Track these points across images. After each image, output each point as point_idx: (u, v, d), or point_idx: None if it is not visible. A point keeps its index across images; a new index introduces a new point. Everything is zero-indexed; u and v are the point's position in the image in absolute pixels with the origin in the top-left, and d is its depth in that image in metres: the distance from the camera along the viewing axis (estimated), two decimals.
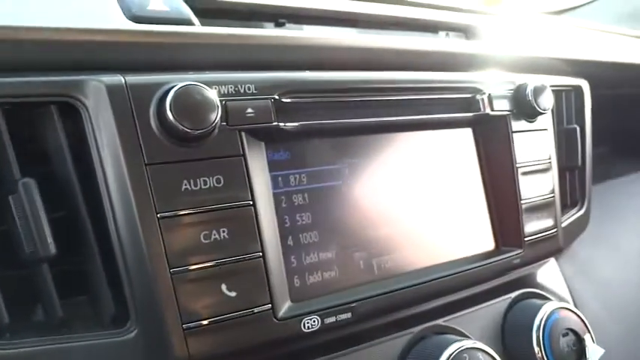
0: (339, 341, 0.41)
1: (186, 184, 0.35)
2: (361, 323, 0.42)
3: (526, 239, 0.52)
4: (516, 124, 0.53)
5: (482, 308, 0.49)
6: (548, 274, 0.58)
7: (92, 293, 0.36)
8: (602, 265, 0.65)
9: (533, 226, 0.53)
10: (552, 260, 0.60)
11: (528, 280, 0.55)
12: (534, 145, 0.54)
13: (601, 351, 0.47)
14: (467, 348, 0.42)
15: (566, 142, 0.64)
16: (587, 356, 0.47)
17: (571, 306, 0.50)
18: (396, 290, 0.43)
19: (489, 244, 0.52)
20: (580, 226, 0.64)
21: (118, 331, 0.34)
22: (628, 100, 1.01)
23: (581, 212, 0.64)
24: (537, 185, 0.54)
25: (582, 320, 0.49)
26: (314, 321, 0.39)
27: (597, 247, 0.67)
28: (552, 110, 0.61)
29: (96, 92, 0.34)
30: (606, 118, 1.02)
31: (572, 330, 0.48)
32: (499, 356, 0.43)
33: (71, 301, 0.36)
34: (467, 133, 0.53)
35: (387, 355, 0.42)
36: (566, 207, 0.64)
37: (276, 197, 0.41)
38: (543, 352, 0.46)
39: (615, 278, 0.64)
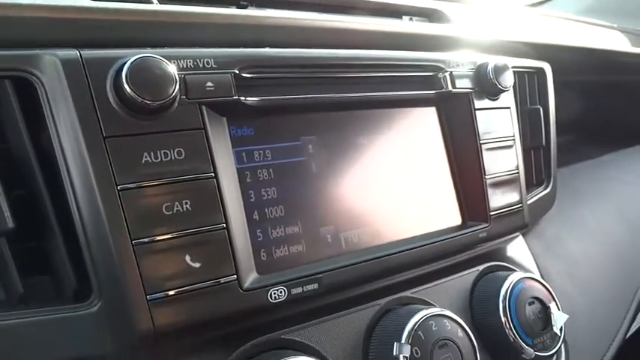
0: (307, 314, 0.41)
1: (146, 157, 0.35)
2: (328, 295, 0.42)
3: (492, 213, 0.53)
4: (479, 102, 0.54)
5: (450, 280, 0.49)
6: (516, 250, 0.59)
7: (53, 269, 0.36)
8: (568, 242, 0.66)
9: (498, 201, 0.54)
10: (520, 238, 0.61)
11: (496, 255, 0.56)
12: (497, 123, 0.56)
13: (565, 317, 0.49)
14: (433, 315, 0.42)
15: (530, 122, 0.65)
16: (553, 322, 0.48)
17: (536, 276, 0.51)
18: (363, 262, 0.43)
19: (456, 219, 0.53)
20: (546, 204, 0.66)
21: (81, 305, 0.34)
22: (594, 88, 1.04)
23: (547, 191, 0.66)
24: (501, 161, 0.55)
25: (547, 289, 0.51)
26: (280, 291, 0.39)
27: (564, 226, 0.69)
28: (515, 90, 0.63)
29: (51, 67, 0.34)
30: (574, 106, 1.06)
31: (537, 299, 0.49)
32: (467, 327, 0.44)
33: (33, 279, 0.36)
34: (431, 112, 0.54)
35: (355, 326, 0.43)
36: (532, 186, 0.66)
37: (241, 172, 0.41)
38: (510, 320, 0.47)
39: (581, 255, 0.65)
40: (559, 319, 0.48)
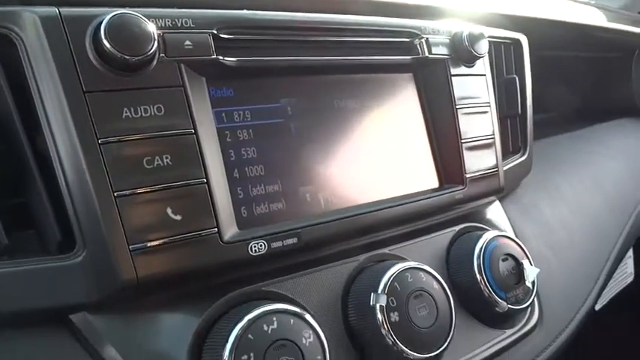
0: (287, 269, 0.43)
1: (126, 112, 0.36)
2: (308, 251, 0.43)
3: (467, 176, 0.54)
4: (455, 69, 0.56)
5: (427, 239, 0.51)
6: (493, 213, 0.61)
7: (38, 224, 0.37)
8: (544, 208, 0.68)
9: (474, 164, 0.55)
10: (497, 202, 0.63)
11: (473, 218, 0.58)
12: (473, 89, 0.57)
13: (536, 270, 0.51)
14: (409, 268, 0.44)
15: (506, 91, 0.67)
16: (525, 277, 0.50)
17: (510, 234, 0.53)
18: (342, 219, 0.45)
19: (433, 182, 0.54)
20: (522, 171, 0.68)
21: (66, 256, 0.35)
22: (572, 64, 1.06)
23: (523, 158, 0.68)
24: (477, 126, 0.57)
25: (521, 247, 0.53)
26: (261, 245, 0.40)
27: (540, 193, 0.71)
28: (492, 60, 0.65)
29: (30, 24, 0.34)
30: (553, 84, 1.08)
31: (511, 255, 0.51)
32: (442, 279, 0.46)
33: (18, 234, 0.37)
34: (408, 78, 0.55)
35: (334, 280, 0.44)
36: (508, 153, 0.67)
37: (221, 132, 0.42)
38: (484, 276, 0.49)
39: (556, 221, 0.67)
40: (531, 273, 0.50)
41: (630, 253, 1.00)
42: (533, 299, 0.51)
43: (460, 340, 0.47)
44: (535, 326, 0.53)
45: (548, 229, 0.65)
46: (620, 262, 0.78)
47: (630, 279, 0.99)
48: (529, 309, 0.54)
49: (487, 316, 0.49)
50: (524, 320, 0.53)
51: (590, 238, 0.69)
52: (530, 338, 0.53)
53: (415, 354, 0.41)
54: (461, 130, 0.55)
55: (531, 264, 0.51)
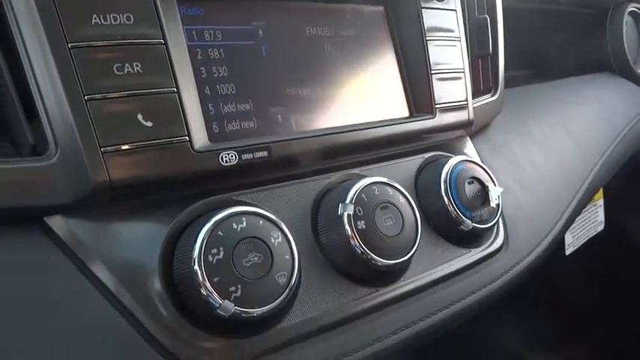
0: (258, 184, 0.44)
1: (95, 19, 0.37)
2: (278, 166, 0.45)
3: (437, 106, 0.56)
4: (425, 2, 0.57)
5: (396, 163, 0.53)
6: (463, 147, 0.63)
7: (10, 129, 0.38)
8: (514, 147, 0.70)
9: (443, 96, 0.57)
10: (467, 139, 0.65)
11: (443, 149, 0.60)
12: (443, 22, 0.58)
13: (500, 189, 0.53)
14: (376, 182, 0.46)
15: (477, 31, 0.68)
16: (490, 198, 0.52)
17: (476, 159, 0.55)
18: (313, 137, 0.46)
19: (403, 112, 0.56)
20: (493, 110, 0.70)
21: (39, 158, 0.36)
22: (545, 20, 1.07)
23: (494, 98, 0.70)
24: (447, 59, 0.58)
25: (486, 171, 0.55)
26: (231, 156, 0.41)
27: (511, 134, 0.73)
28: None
29: None
30: (527, 42, 1.09)
31: (476, 179, 0.53)
32: (408, 194, 0.47)
33: None
34: (379, 10, 0.56)
35: (305, 193, 0.46)
36: (479, 92, 0.69)
37: (191, 49, 0.43)
38: (451, 198, 0.51)
39: (525, 159, 0.69)
40: (494, 192, 0.52)
41: (601, 202, 1.04)
42: (497, 220, 0.53)
43: (426, 255, 0.49)
44: (500, 248, 0.56)
45: (517, 165, 0.67)
46: (588, 203, 0.81)
47: (601, 227, 1.03)
48: (494, 231, 0.56)
49: (453, 235, 0.52)
50: (490, 242, 0.55)
51: (557, 177, 0.71)
52: (495, 259, 0.55)
53: (381, 260, 0.43)
54: (431, 61, 0.56)
55: (495, 185, 0.53)
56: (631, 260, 1.13)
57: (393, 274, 0.46)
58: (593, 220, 1.00)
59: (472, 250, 0.53)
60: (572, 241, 0.94)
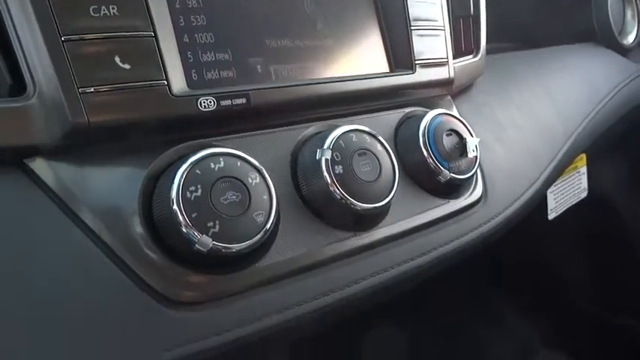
0: (237, 132, 0.45)
1: None
2: (257, 114, 0.45)
3: (416, 62, 0.57)
4: None
5: (376, 117, 0.54)
6: (445, 105, 0.64)
7: None
8: (496, 109, 0.71)
9: (423, 52, 0.58)
10: (449, 98, 0.66)
11: (425, 107, 0.60)
12: None
13: (476, 140, 0.54)
14: (355, 130, 0.47)
15: None
16: (467, 148, 0.53)
17: (453, 112, 0.56)
18: (292, 86, 0.47)
19: (383, 67, 0.57)
20: (474, 71, 0.70)
21: (18, 98, 0.37)
22: None
23: (476, 59, 0.70)
24: (427, 15, 0.59)
25: (465, 125, 0.56)
26: (210, 101, 0.42)
27: (492, 96, 0.73)
28: None
29: None
30: (515, 14, 1.10)
31: (454, 131, 0.54)
32: (386, 143, 0.48)
33: None
34: None
35: (285, 140, 0.46)
36: (461, 53, 0.70)
37: None
38: (429, 150, 0.52)
39: (506, 120, 0.71)
40: (471, 142, 0.53)
41: (584, 170, 1.06)
42: (475, 171, 0.54)
43: (405, 204, 0.50)
44: (479, 200, 0.57)
45: (497, 125, 0.68)
46: (568, 165, 0.82)
47: (584, 194, 1.05)
48: (473, 183, 0.57)
49: (432, 186, 0.53)
50: (468, 193, 0.56)
51: (537, 138, 0.73)
52: (473, 210, 0.56)
53: (360, 204, 0.44)
54: (410, 16, 0.57)
55: (472, 136, 0.55)
56: (613, 227, 1.15)
57: (371, 220, 0.47)
58: (577, 186, 1.02)
59: (451, 201, 0.54)
60: (555, 207, 0.96)
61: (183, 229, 0.36)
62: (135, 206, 0.39)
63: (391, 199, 0.46)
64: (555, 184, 0.96)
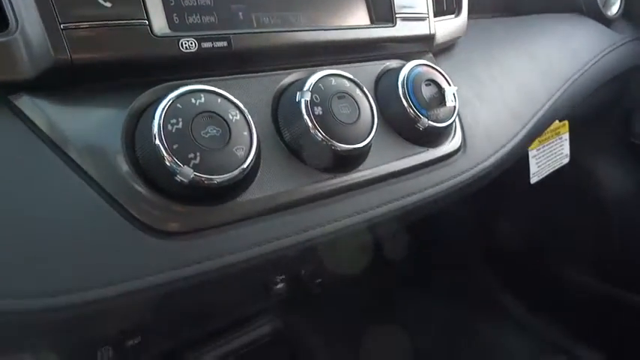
0: (218, 75, 0.46)
1: None
2: (238, 58, 0.46)
3: (397, 15, 0.58)
4: None
5: (357, 67, 0.55)
6: (425, 59, 0.65)
7: None
8: (477, 66, 0.72)
9: (404, 6, 0.59)
10: (430, 55, 0.67)
11: (405, 59, 0.61)
12: None
13: (455, 88, 0.55)
14: (334, 74, 0.48)
15: None
16: (446, 98, 0.54)
17: (431, 63, 0.57)
18: (274, 32, 0.48)
19: (365, 20, 0.57)
20: (456, 30, 0.71)
21: (1, 34, 0.38)
22: None
23: (457, 19, 0.71)
24: None
25: (443, 75, 0.57)
26: (191, 43, 0.43)
27: (474, 54, 0.74)
28: None
29: None
30: None
31: (433, 81, 0.56)
32: (365, 87, 0.50)
33: None
34: None
35: (267, 84, 0.47)
36: (442, 13, 0.71)
37: None
38: (409, 98, 0.53)
39: (487, 77, 0.72)
40: (449, 91, 0.54)
41: (566, 136, 1.08)
42: (454, 120, 0.56)
43: (384, 149, 0.52)
44: (457, 150, 0.59)
45: (478, 81, 0.70)
46: (548, 126, 0.84)
47: (566, 160, 1.07)
48: (452, 133, 0.59)
49: (410, 134, 0.54)
50: (447, 143, 0.58)
51: (518, 98, 0.74)
52: (452, 160, 0.58)
53: (339, 144, 0.45)
54: None
55: (450, 85, 0.56)
56: (593, 194, 1.18)
57: (351, 162, 0.49)
58: (559, 152, 1.04)
59: (430, 149, 0.56)
60: (538, 171, 0.98)
61: (166, 161, 0.38)
62: (118, 143, 0.40)
63: (370, 140, 0.48)
64: (537, 148, 0.98)
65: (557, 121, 1.01)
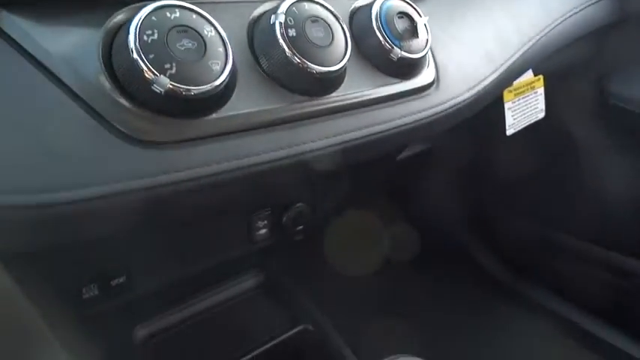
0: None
1: None
2: None
3: None
4: None
5: (330, 0, 0.56)
6: None
7: None
8: (452, 11, 0.74)
9: None
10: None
11: None
12: None
13: (426, 18, 0.57)
14: (309, 0, 0.49)
15: None
16: (417, 30, 0.56)
17: None
18: None
19: None
20: None
21: None
22: None
23: None
24: None
25: (414, 7, 0.58)
26: None
27: (451, 2, 0.76)
28: None
29: None
30: None
31: (405, 13, 0.57)
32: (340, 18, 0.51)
33: None
34: None
35: (240, 14, 0.48)
36: None
37: None
38: (382, 30, 0.55)
39: (463, 22, 0.73)
40: (420, 21, 0.56)
41: (541, 91, 1.10)
42: (426, 52, 0.57)
43: (358, 78, 0.53)
44: (431, 84, 0.60)
45: (454, 24, 0.71)
46: (522, 72, 0.87)
47: (541, 115, 1.10)
48: (425, 67, 0.60)
49: (384, 64, 0.55)
50: (420, 76, 0.59)
51: (492, 41, 0.76)
52: (426, 93, 0.60)
53: (314, 66, 0.47)
54: None
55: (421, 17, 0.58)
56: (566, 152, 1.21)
57: (326, 85, 0.50)
58: (534, 106, 1.06)
59: (404, 80, 0.57)
60: (513, 123, 1.00)
61: (143, 72, 0.39)
62: (96, 59, 0.40)
63: (345, 64, 0.49)
64: (513, 101, 1.00)
65: (532, 75, 1.03)
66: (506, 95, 0.98)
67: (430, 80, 0.60)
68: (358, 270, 1.12)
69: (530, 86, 1.04)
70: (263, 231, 0.79)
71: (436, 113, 0.60)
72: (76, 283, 0.62)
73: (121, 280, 0.66)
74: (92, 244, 0.56)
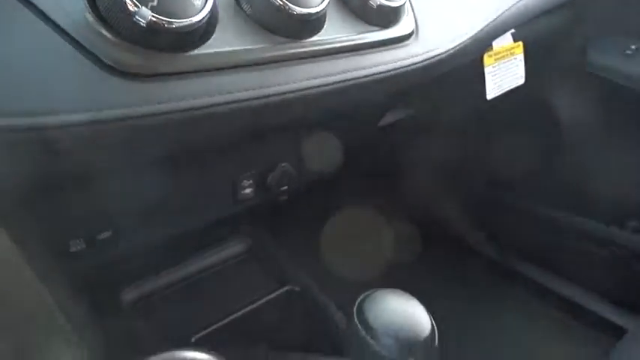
0: None
1: None
2: None
3: None
4: None
5: None
6: None
7: None
8: None
9: None
10: None
11: None
12: None
13: None
14: None
15: None
16: None
17: None
18: None
19: None
20: None
21: None
22: None
23: None
24: None
25: None
26: None
27: None
28: None
29: None
30: None
31: None
32: None
33: None
34: None
35: None
36: None
37: None
38: None
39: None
40: None
41: (521, 57, 1.12)
42: (405, 1, 0.59)
43: (339, 24, 0.55)
44: (409, 35, 0.62)
45: None
46: (497, 35, 0.88)
47: (521, 81, 1.12)
48: (404, 18, 0.62)
49: (363, 12, 0.57)
50: (399, 26, 0.61)
51: (470, 8, 0.77)
52: (404, 44, 0.61)
53: (295, 7, 0.48)
54: None
55: None
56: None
57: (308, 28, 0.51)
58: (514, 72, 1.08)
59: (383, 29, 0.59)
60: (494, 88, 1.02)
61: (126, 5, 0.39)
62: None
63: (325, 7, 0.50)
64: (493, 65, 1.02)
65: (512, 41, 1.05)
66: (487, 60, 1.00)
67: (409, 31, 0.62)
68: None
69: (510, 52, 1.06)
70: (248, 190, 0.80)
71: (414, 63, 0.61)
72: (64, 236, 0.63)
73: (107, 234, 0.67)
74: (79, 198, 0.57)
